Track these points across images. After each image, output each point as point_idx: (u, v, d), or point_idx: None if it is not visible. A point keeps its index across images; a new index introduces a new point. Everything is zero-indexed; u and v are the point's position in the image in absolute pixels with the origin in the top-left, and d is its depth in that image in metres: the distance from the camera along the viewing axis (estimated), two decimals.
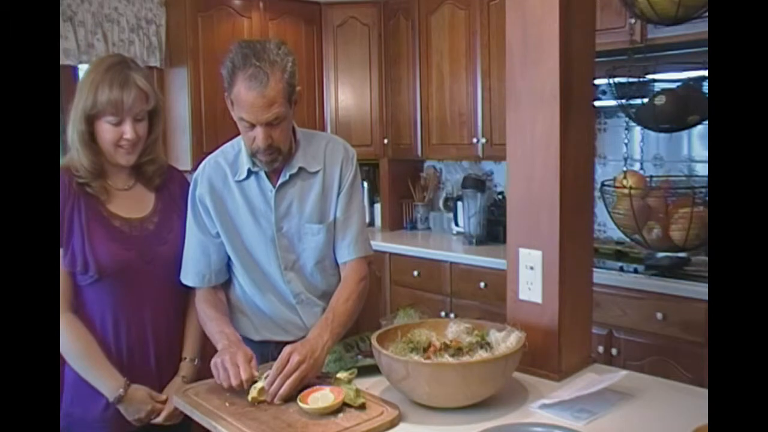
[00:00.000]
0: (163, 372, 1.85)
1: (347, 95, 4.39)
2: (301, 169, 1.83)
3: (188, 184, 1.92)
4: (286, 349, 1.59)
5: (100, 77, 1.73)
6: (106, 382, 1.76)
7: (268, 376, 1.57)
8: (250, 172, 1.82)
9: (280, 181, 1.82)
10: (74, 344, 1.74)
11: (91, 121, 1.74)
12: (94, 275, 1.74)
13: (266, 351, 1.84)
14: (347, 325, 1.76)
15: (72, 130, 1.76)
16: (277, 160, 1.77)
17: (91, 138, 1.75)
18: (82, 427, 1.80)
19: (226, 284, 1.92)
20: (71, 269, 1.74)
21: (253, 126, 1.70)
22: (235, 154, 1.86)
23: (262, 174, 1.82)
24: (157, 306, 1.83)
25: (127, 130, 1.74)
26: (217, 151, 1.91)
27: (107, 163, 1.80)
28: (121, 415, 1.77)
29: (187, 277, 1.85)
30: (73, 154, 1.77)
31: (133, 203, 1.84)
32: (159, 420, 1.79)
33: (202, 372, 1.82)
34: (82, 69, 3.59)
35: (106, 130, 1.74)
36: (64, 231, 1.73)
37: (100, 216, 1.78)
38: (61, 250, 1.73)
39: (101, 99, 1.71)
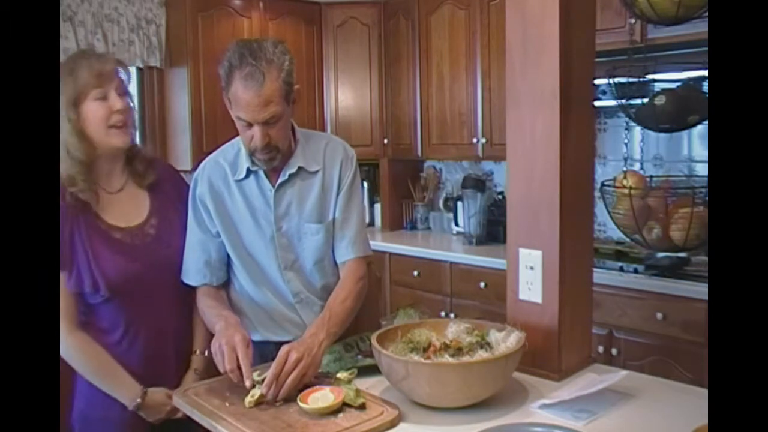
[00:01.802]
0: (183, 371, 1.85)
1: (347, 95, 4.39)
2: (300, 168, 1.83)
3: (181, 180, 1.92)
4: (284, 348, 1.59)
5: (73, 63, 1.73)
6: (123, 392, 1.76)
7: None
8: (249, 172, 1.82)
9: (279, 181, 1.82)
10: (88, 362, 1.75)
11: (77, 105, 1.70)
12: (104, 293, 1.72)
13: (266, 351, 1.84)
14: (344, 324, 1.75)
15: (62, 126, 1.68)
16: (275, 158, 1.77)
17: (79, 127, 1.71)
18: (99, 428, 1.80)
19: (225, 284, 1.92)
20: (79, 290, 1.72)
21: (250, 125, 1.70)
22: (234, 153, 1.86)
23: (262, 173, 1.82)
24: (170, 309, 1.84)
25: (115, 102, 1.71)
26: (217, 151, 1.91)
27: (99, 159, 1.76)
28: (138, 415, 1.77)
29: (188, 276, 1.86)
30: (62, 158, 1.69)
31: (128, 208, 1.81)
32: (179, 415, 1.77)
33: (212, 366, 1.81)
34: None
35: (94, 108, 1.70)
36: (66, 252, 1.70)
37: (100, 230, 1.75)
38: (66, 273, 1.70)
39: (81, 76, 1.69)
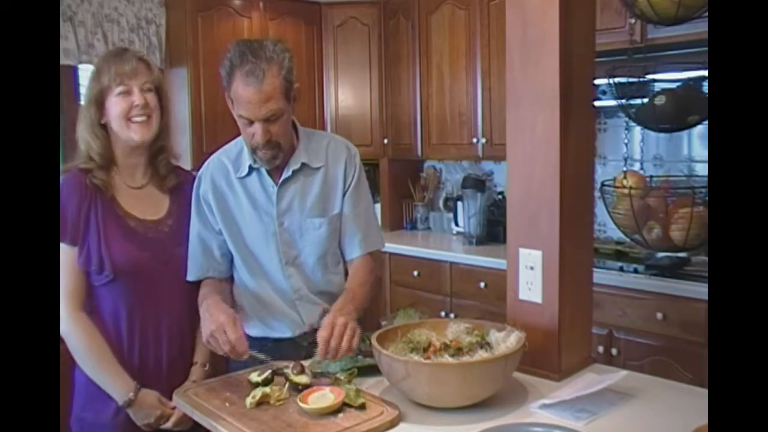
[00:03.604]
0: (173, 375, 1.83)
1: (347, 95, 4.38)
2: (303, 165, 1.86)
3: None
4: (328, 318, 1.62)
5: (101, 64, 1.80)
6: (116, 385, 1.76)
7: (266, 379, 1.58)
8: (251, 169, 1.85)
9: (283, 177, 1.84)
10: (86, 345, 1.75)
11: (100, 103, 1.77)
12: (109, 275, 1.74)
13: (265, 347, 1.84)
14: (363, 308, 1.79)
15: (83, 121, 1.79)
16: (277, 156, 1.79)
17: (98, 122, 1.78)
18: (94, 431, 1.80)
19: (229, 278, 1.94)
20: (86, 268, 1.74)
21: (251, 122, 1.73)
22: (237, 151, 1.89)
23: (264, 170, 1.85)
24: (171, 308, 1.84)
25: (136, 97, 1.76)
26: (220, 150, 1.95)
27: (119, 153, 1.81)
28: (132, 419, 1.77)
29: (190, 274, 1.87)
30: (81, 146, 1.79)
31: (147, 204, 1.85)
32: (168, 425, 1.78)
33: (212, 377, 1.82)
34: (82, 69, 3.59)
35: (115, 103, 1.76)
36: (80, 229, 1.74)
37: (116, 215, 1.79)
38: (77, 249, 1.74)
39: (105, 76, 1.76)
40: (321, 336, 1.58)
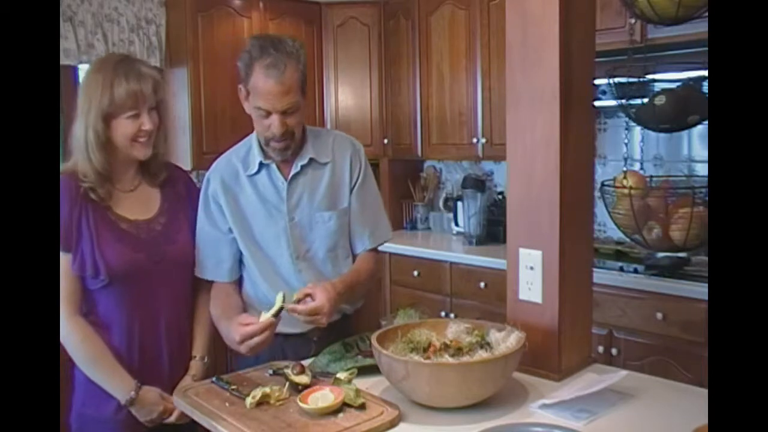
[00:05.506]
0: (175, 371, 1.85)
1: (347, 95, 4.38)
2: (311, 160, 1.90)
3: (193, 184, 1.96)
4: (315, 288, 1.72)
5: (112, 74, 1.74)
6: (117, 385, 1.76)
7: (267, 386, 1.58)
8: (261, 166, 1.88)
9: (292, 173, 1.88)
10: (84, 349, 1.75)
11: (108, 119, 1.74)
12: (104, 279, 1.74)
13: (274, 342, 1.84)
14: (356, 298, 1.92)
15: (84, 133, 1.74)
16: (289, 147, 1.84)
17: (105, 138, 1.75)
18: (95, 428, 1.81)
19: (240, 279, 1.97)
20: (81, 274, 1.74)
21: (268, 114, 1.77)
22: (246, 150, 1.93)
23: (274, 167, 1.88)
24: (168, 306, 1.85)
25: (146, 121, 1.76)
26: (228, 150, 1.98)
27: (116, 163, 1.80)
28: (133, 415, 1.78)
29: (205, 272, 1.90)
30: (80, 158, 1.76)
31: (139, 205, 1.84)
32: (171, 420, 1.80)
33: (212, 371, 1.83)
34: (82, 69, 3.58)
35: (124, 125, 1.75)
36: (73, 236, 1.73)
37: (108, 219, 1.78)
38: (70, 255, 1.73)
39: (119, 93, 1.72)
40: (296, 297, 1.69)
